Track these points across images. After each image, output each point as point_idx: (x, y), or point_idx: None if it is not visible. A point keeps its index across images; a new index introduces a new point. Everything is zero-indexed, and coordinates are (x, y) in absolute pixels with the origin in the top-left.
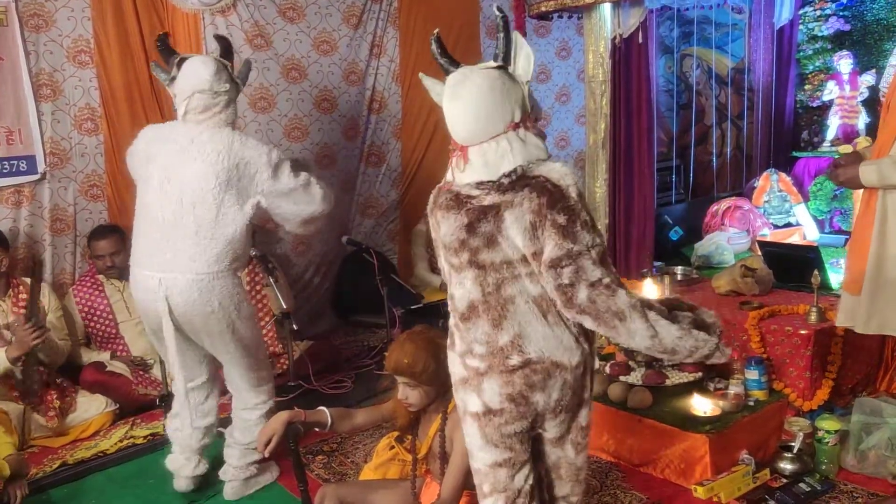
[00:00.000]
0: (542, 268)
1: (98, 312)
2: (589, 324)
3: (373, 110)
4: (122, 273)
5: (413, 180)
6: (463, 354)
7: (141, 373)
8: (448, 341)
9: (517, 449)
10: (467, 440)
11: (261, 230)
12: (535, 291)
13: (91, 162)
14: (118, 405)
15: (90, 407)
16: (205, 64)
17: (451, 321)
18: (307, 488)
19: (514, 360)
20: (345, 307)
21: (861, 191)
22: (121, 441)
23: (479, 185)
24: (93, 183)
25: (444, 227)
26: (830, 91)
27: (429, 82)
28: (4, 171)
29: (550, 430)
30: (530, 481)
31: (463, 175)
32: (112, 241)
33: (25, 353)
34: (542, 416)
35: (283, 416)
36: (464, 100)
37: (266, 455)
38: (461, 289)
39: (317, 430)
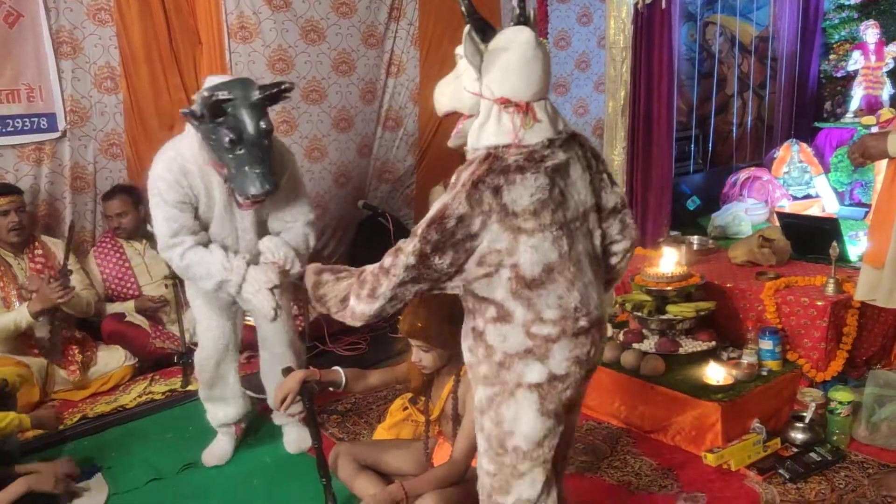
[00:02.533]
0: (604, 216)
1: (120, 276)
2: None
3: (391, 74)
4: (131, 234)
5: (430, 146)
6: (529, 323)
7: (159, 326)
8: (493, 315)
9: (563, 418)
10: (510, 420)
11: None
12: (590, 249)
13: (111, 121)
14: (137, 359)
15: (110, 360)
16: None
17: (505, 293)
18: (321, 446)
19: (583, 321)
20: None
21: (884, 164)
22: (140, 396)
23: (551, 142)
24: (112, 142)
25: (517, 191)
26: (855, 61)
27: (471, 43)
28: (25, 127)
29: (582, 394)
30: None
31: (531, 133)
32: (121, 201)
33: (48, 308)
34: (585, 378)
35: (299, 374)
36: (543, 55)
37: (282, 412)
38: (534, 253)
39: (331, 389)
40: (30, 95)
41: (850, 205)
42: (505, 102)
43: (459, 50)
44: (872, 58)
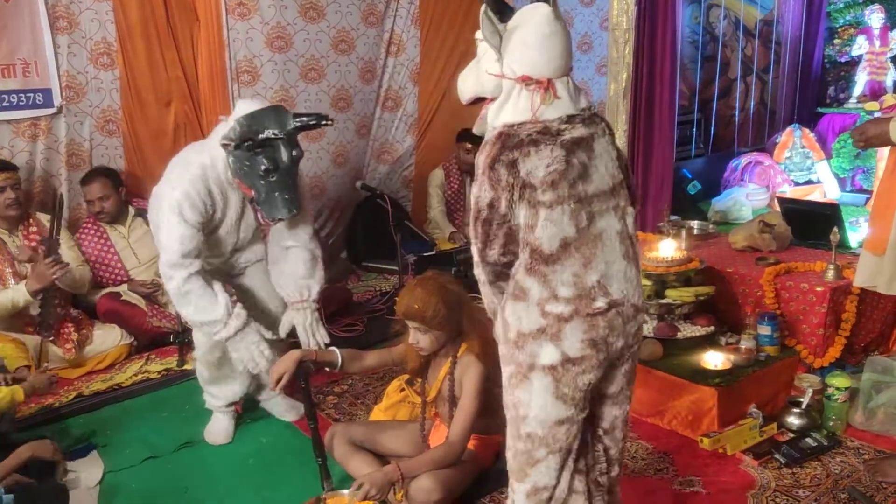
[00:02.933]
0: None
1: (106, 261)
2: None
3: (391, 53)
4: (115, 218)
5: (429, 126)
6: (544, 301)
7: (156, 306)
8: (512, 291)
9: (582, 405)
10: (526, 404)
11: None
12: (618, 226)
13: (107, 97)
14: (133, 338)
15: (106, 339)
16: None
17: (523, 270)
18: (317, 426)
19: (601, 302)
20: (357, 252)
21: (887, 150)
22: (136, 375)
23: (570, 118)
24: (108, 119)
25: (531, 162)
26: (860, 46)
27: (488, 23)
28: (21, 103)
29: (614, 384)
30: (577, 442)
31: (550, 109)
32: (101, 184)
33: (46, 287)
34: (613, 366)
35: (295, 354)
36: (563, 30)
37: (277, 392)
38: (552, 227)
39: (328, 370)
40: (25, 71)
41: (852, 191)
42: (526, 80)
43: (479, 34)
44: (877, 43)
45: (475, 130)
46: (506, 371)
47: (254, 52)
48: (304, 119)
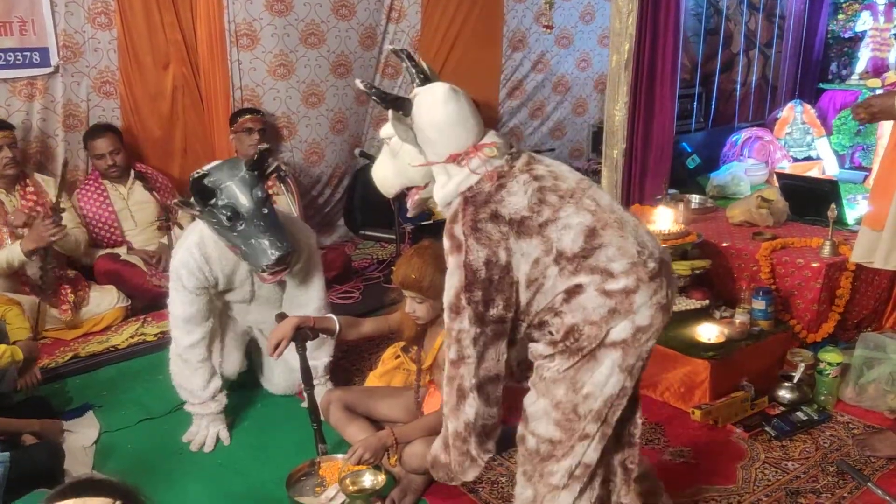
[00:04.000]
0: None
1: (103, 221)
2: None
3: (391, 19)
4: (122, 173)
5: None
6: (602, 283)
7: (154, 266)
8: (564, 299)
9: (637, 375)
10: (589, 382)
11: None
12: (608, 197)
13: (104, 58)
14: (130, 301)
15: (102, 301)
16: None
17: (565, 280)
18: (313, 392)
19: (651, 264)
20: (355, 220)
21: (888, 127)
22: (132, 337)
23: (511, 154)
24: (105, 79)
25: (510, 202)
26: (864, 22)
27: (400, 126)
28: (17, 62)
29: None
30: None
31: (491, 161)
32: (110, 139)
33: (41, 247)
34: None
35: (293, 320)
36: (464, 99)
37: (275, 358)
38: (569, 229)
39: (325, 336)
40: (22, 29)
41: (850, 168)
42: (455, 157)
43: (384, 133)
44: (881, 19)
45: (410, 215)
46: (562, 364)
47: (253, 14)
48: (255, 162)
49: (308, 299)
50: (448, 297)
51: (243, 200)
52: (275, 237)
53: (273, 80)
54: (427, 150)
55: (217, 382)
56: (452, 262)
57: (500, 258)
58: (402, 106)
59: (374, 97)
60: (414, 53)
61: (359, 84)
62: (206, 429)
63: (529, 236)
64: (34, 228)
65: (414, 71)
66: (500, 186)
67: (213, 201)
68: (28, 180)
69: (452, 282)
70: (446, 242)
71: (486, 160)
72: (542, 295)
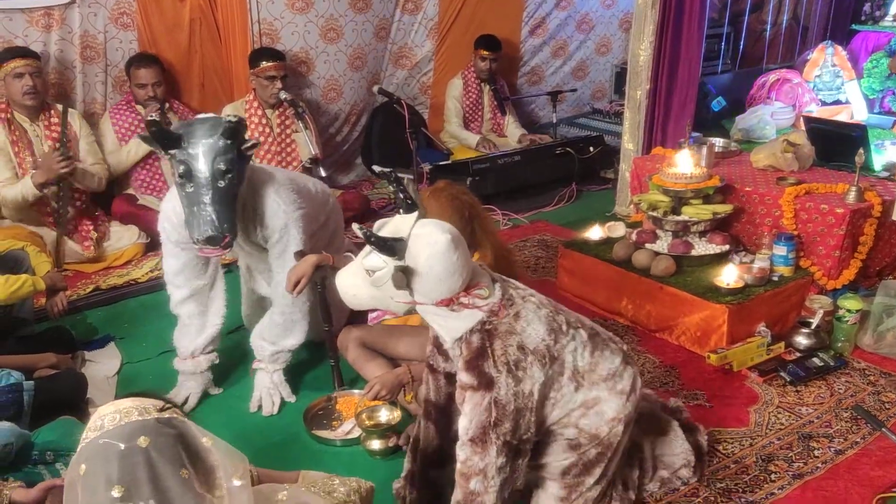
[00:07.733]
0: None
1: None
2: None
3: None
4: (160, 104)
5: (450, 31)
6: (608, 386)
7: None
8: (584, 403)
9: None
10: (601, 412)
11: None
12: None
13: None
14: (150, 238)
15: (123, 237)
16: None
17: (573, 390)
18: (332, 329)
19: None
20: (372, 158)
21: None
22: (151, 272)
23: (504, 281)
24: (123, 11)
25: (529, 332)
26: None
27: (399, 278)
28: None
29: None
30: None
31: (489, 291)
32: (155, 70)
33: (50, 179)
34: None
35: (313, 259)
36: (462, 248)
37: (295, 296)
38: (580, 331)
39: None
40: None
41: (880, 113)
42: (447, 303)
43: (369, 264)
44: None
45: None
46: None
47: None
48: (231, 130)
49: (283, 271)
50: (473, 430)
51: (200, 165)
52: (218, 215)
53: (291, 14)
54: (417, 291)
55: (200, 343)
56: (479, 398)
57: (526, 388)
58: (393, 248)
59: (370, 243)
60: None
61: (356, 230)
62: (185, 388)
63: (552, 361)
64: (44, 160)
65: (402, 196)
66: (516, 316)
67: (173, 151)
68: (52, 111)
69: (479, 417)
70: (469, 378)
71: (487, 293)
72: (559, 409)
